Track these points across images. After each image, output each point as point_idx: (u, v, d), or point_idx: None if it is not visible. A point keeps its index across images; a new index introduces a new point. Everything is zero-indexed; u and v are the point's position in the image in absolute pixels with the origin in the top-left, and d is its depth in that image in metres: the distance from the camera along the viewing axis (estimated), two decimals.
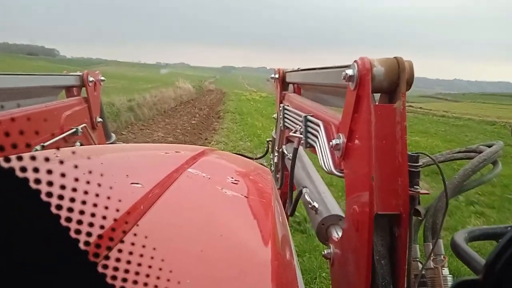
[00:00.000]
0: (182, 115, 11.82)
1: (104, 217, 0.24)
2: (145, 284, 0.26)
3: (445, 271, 0.76)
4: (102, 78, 1.83)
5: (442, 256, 0.77)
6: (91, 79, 1.69)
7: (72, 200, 0.22)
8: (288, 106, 1.47)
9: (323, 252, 0.96)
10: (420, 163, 0.76)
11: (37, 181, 0.21)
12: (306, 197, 1.12)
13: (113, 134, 2.02)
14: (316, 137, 1.01)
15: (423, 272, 0.75)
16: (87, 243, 0.23)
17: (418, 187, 0.74)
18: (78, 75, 1.69)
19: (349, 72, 0.75)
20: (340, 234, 0.92)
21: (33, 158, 0.21)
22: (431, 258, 0.77)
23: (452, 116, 19.27)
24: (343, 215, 0.93)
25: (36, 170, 0.21)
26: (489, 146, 0.87)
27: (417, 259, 0.78)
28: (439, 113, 20.59)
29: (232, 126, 9.25)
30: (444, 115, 19.90)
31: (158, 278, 0.27)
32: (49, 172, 0.21)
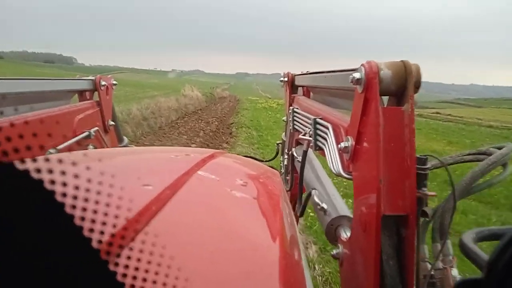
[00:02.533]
0: (181, 133, 9.17)
1: (116, 217, 0.25)
2: (154, 282, 0.27)
3: (454, 271, 0.76)
4: (115, 82, 1.85)
5: (450, 257, 0.77)
6: (103, 83, 1.71)
7: (86, 200, 0.23)
8: (297, 109, 1.48)
9: (332, 252, 0.97)
10: (428, 166, 0.76)
11: (52, 182, 0.21)
12: (315, 198, 1.13)
13: (125, 138, 2.05)
14: (325, 139, 1.02)
15: (432, 272, 0.76)
16: (99, 242, 0.23)
17: (425, 189, 0.75)
18: (91, 79, 1.72)
19: (357, 75, 0.77)
20: (348, 234, 0.93)
21: (47, 160, 0.22)
22: (440, 258, 0.77)
23: (489, 124, 17.96)
24: (352, 216, 0.94)
25: (50, 171, 0.21)
26: (499, 148, 0.87)
27: (426, 260, 0.78)
28: (471, 121, 19.42)
29: (247, 151, 6.91)
30: (480, 123, 18.59)
31: (167, 276, 0.28)
32: (63, 173, 0.22)
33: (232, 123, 11.56)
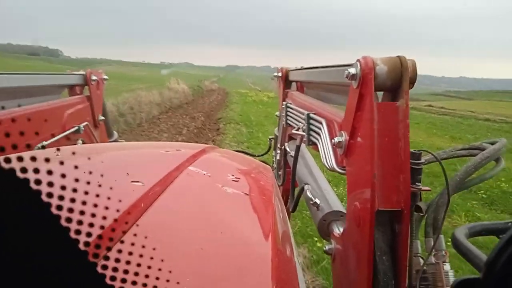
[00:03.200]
0: (162, 130, 8.41)
1: (104, 217, 0.25)
2: (144, 285, 0.26)
3: (447, 266, 0.76)
4: (105, 77, 1.84)
5: (443, 252, 0.77)
6: (94, 78, 1.70)
7: (73, 200, 0.23)
8: (291, 104, 1.48)
9: (324, 248, 0.97)
10: (422, 161, 0.77)
11: (38, 182, 0.21)
12: (308, 193, 1.13)
13: (115, 132, 2.04)
14: (319, 134, 1.02)
15: (425, 267, 0.76)
16: (86, 244, 0.23)
17: (419, 184, 0.75)
18: (81, 74, 1.71)
19: (352, 70, 0.76)
20: (341, 230, 0.93)
21: (33, 158, 0.21)
22: (433, 253, 0.77)
23: (485, 118, 17.31)
24: (345, 212, 0.94)
25: (36, 170, 0.21)
26: (492, 143, 0.88)
27: (419, 255, 0.78)
28: (467, 114, 18.92)
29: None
30: (476, 116, 17.93)
31: (157, 278, 0.27)
32: (49, 172, 0.21)
33: (220, 118, 10.67)
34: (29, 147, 0.22)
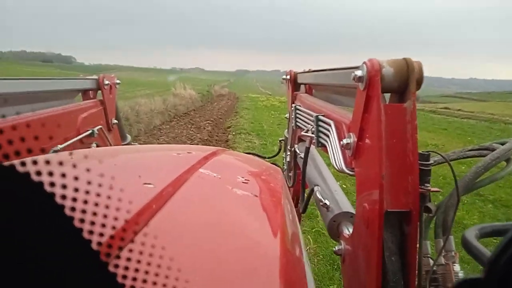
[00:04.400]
0: (161, 144, 7.27)
1: (115, 218, 0.25)
2: (154, 283, 0.26)
3: (456, 267, 0.76)
4: (118, 81, 1.88)
5: (453, 252, 0.77)
6: (106, 82, 1.74)
7: (85, 202, 0.23)
8: (299, 106, 1.49)
9: (334, 249, 0.97)
10: (431, 162, 0.77)
11: (52, 184, 0.21)
12: (318, 195, 1.14)
13: (128, 135, 2.07)
14: (328, 136, 1.03)
15: (434, 268, 0.76)
16: (99, 244, 0.23)
17: (428, 185, 0.75)
18: (95, 79, 1.74)
19: (358, 73, 0.77)
20: (351, 231, 0.93)
21: (47, 162, 0.21)
22: (442, 254, 0.77)
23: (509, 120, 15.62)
24: (354, 213, 0.95)
25: (50, 173, 0.21)
26: (503, 144, 0.87)
27: (428, 256, 0.78)
28: (487, 116, 17.46)
29: None
30: (496, 119, 16.47)
31: (167, 277, 0.27)
32: (63, 175, 0.22)
33: (229, 127, 9.64)
34: (43, 151, 0.22)
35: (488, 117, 17.69)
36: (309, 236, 3.38)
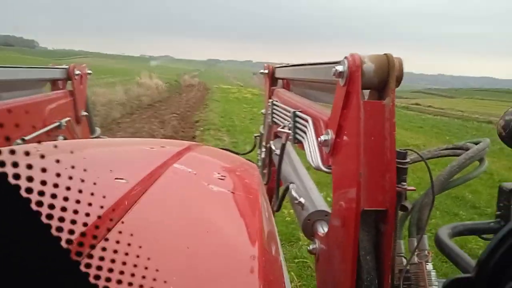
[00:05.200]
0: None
1: (87, 214, 0.24)
2: (130, 284, 0.25)
3: (429, 266, 0.77)
4: (89, 71, 1.82)
5: (426, 251, 0.78)
6: (77, 72, 1.68)
7: (54, 196, 0.22)
8: (277, 101, 1.46)
9: (308, 248, 0.97)
10: (408, 160, 0.77)
11: (16, 176, 0.20)
12: (293, 192, 1.12)
13: (97, 128, 2.01)
14: (305, 132, 1.01)
15: (408, 267, 0.76)
16: (69, 241, 0.22)
17: (405, 183, 0.75)
18: (64, 68, 1.68)
19: (339, 68, 0.75)
20: (326, 229, 0.92)
21: (12, 152, 0.20)
22: (416, 253, 0.78)
23: (489, 120, 15.37)
24: (330, 211, 0.94)
25: (15, 165, 0.20)
26: (476, 143, 0.89)
27: (402, 254, 0.79)
28: (457, 114, 17.78)
29: None
30: (466, 116, 16.58)
31: (143, 277, 0.26)
32: (29, 167, 0.20)
33: (197, 122, 8.77)
34: (7, 141, 0.21)
35: (458, 115, 18.10)
36: (290, 270, 2.61)
